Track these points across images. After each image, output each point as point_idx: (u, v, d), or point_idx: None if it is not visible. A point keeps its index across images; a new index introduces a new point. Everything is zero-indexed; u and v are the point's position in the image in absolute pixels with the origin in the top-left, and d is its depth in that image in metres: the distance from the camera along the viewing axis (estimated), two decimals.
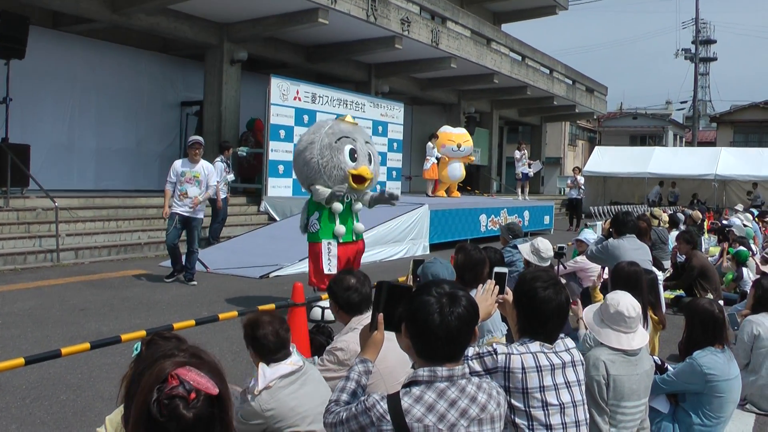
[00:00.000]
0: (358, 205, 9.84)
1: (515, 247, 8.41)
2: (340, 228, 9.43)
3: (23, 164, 14.92)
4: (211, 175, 12.05)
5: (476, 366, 3.33)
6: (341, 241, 9.48)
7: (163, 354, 1.82)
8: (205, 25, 20.51)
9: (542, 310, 3.48)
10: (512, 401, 3.31)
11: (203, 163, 11.97)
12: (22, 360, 4.63)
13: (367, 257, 14.60)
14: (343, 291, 4.62)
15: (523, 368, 3.31)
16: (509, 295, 3.84)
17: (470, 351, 3.37)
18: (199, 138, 12.31)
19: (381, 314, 3.11)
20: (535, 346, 3.41)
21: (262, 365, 3.95)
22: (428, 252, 17.21)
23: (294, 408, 3.87)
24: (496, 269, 3.93)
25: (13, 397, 6.19)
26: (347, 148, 9.33)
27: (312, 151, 9.39)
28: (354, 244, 9.77)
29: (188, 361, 1.78)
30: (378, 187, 11.18)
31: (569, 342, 3.57)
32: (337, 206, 9.39)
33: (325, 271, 9.23)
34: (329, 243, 9.39)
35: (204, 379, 1.73)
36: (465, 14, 27.27)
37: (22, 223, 14.12)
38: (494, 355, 3.35)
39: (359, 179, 9.46)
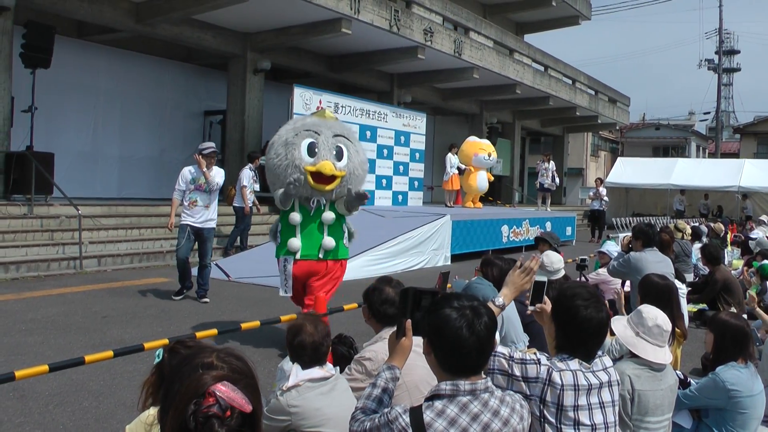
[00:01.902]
0: (328, 215, 8.13)
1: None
2: (293, 242, 7.96)
3: (47, 172, 15.03)
4: (218, 174, 11.12)
5: (516, 370, 3.29)
6: (298, 257, 7.99)
7: (202, 362, 1.84)
8: (229, 34, 20.62)
9: (584, 328, 3.41)
10: (545, 413, 3.28)
11: (215, 169, 11.14)
12: (46, 367, 4.67)
13: (388, 268, 14.66)
14: (380, 303, 4.60)
15: (562, 385, 3.27)
16: (547, 305, 3.82)
17: (516, 354, 3.34)
18: (212, 144, 11.51)
19: (408, 320, 3.12)
20: (574, 363, 3.35)
21: (296, 366, 3.97)
22: (450, 263, 17.18)
23: (319, 409, 3.86)
24: (536, 278, 3.90)
25: (36, 403, 6.23)
26: (305, 142, 7.84)
27: (270, 152, 8.15)
28: (319, 264, 8.11)
29: (226, 374, 1.80)
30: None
31: (607, 360, 3.51)
32: (294, 216, 7.99)
33: (280, 293, 8.18)
34: (285, 260, 8.04)
35: (239, 396, 1.76)
36: (488, 25, 27.25)
37: (45, 231, 14.23)
38: (538, 365, 3.30)
39: (319, 177, 7.78)
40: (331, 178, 7.84)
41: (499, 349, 3.32)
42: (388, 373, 3.09)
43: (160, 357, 3.20)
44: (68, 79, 19.49)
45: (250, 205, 16.07)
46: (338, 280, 8.42)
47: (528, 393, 3.27)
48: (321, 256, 8.05)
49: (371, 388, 3.04)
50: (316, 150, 7.81)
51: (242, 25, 20.21)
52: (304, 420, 3.85)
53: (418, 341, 3.26)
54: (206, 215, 11.06)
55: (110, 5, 17.67)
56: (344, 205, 8.16)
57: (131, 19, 18.25)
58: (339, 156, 7.95)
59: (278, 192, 7.91)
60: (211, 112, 24.30)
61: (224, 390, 1.75)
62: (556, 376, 3.27)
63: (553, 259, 7.59)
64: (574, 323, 3.42)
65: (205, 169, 10.87)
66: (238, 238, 16.43)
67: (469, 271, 6.31)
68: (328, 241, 8.05)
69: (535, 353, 3.39)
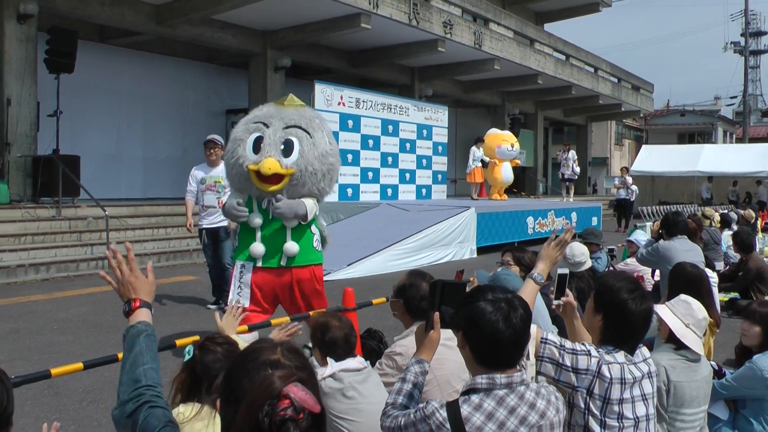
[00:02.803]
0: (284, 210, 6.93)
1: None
2: (256, 247, 6.86)
3: (74, 175, 15.21)
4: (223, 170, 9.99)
5: (566, 360, 3.25)
6: (260, 264, 6.90)
7: (269, 360, 1.87)
8: (249, 33, 20.68)
9: (633, 321, 3.38)
10: (591, 406, 3.26)
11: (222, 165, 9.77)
12: (81, 365, 4.71)
13: (414, 262, 14.65)
14: (419, 300, 4.53)
15: (610, 378, 3.24)
16: (569, 297, 3.79)
17: (567, 343, 3.31)
18: (216, 137, 10.65)
19: (437, 313, 3.09)
20: (620, 356, 3.32)
21: (330, 359, 3.97)
22: (476, 255, 17.13)
23: (352, 398, 3.87)
24: (559, 271, 3.87)
25: (71, 400, 6.35)
26: (252, 137, 6.80)
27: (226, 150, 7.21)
28: (282, 274, 6.96)
29: (294, 373, 1.84)
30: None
31: (645, 351, 3.48)
32: (253, 218, 6.86)
33: (230, 299, 6.99)
34: (243, 265, 6.96)
35: (310, 396, 1.79)
36: (507, 15, 27.16)
37: (73, 232, 14.40)
38: (589, 357, 3.27)
39: (262, 176, 6.64)
40: (276, 177, 6.66)
41: (550, 336, 3.30)
42: (417, 367, 3.07)
43: (191, 354, 3.21)
44: (92, 83, 19.61)
45: None
46: (318, 290, 7.25)
47: (575, 384, 3.25)
48: (283, 263, 6.88)
49: (401, 383, 3.02)
50: (261, 145, 6.72)
51: (261, 23, 20.25)
52: (336, 403, 3.85)
53: (446, 334, 3.24)
54: (219, 215, 10.13)
55: (131, 8, 17.78)
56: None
57: (152, 21, 18.35)
58: (288, 151, 6.74)
59: (230, 202, 6.97)
60: (233, 110, 24.37)
61: (297, 391, 1.78)
62: (605, 369, 3.24)
63: (576, 252, 7.43)
64: (624, 317, 3.38)
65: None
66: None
67: (493, 262, 6.28)
68: (290, 247, 6.88)
69: (584, 344, 3.37)
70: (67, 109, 17.24)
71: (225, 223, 10.11)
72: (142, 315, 2.52)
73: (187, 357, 3.20)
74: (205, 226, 10.44)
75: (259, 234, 6.88)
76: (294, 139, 6.76)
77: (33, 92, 15.75)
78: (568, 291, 3.84)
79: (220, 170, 9.81)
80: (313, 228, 7.17)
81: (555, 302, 3.85)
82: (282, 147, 6.70)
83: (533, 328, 3.05)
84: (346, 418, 3.86)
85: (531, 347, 3.24)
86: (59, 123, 16.54)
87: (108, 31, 20.04)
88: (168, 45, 21.57)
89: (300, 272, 6.99)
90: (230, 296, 6.99)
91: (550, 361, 3.26)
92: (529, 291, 3.63)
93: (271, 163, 6.56)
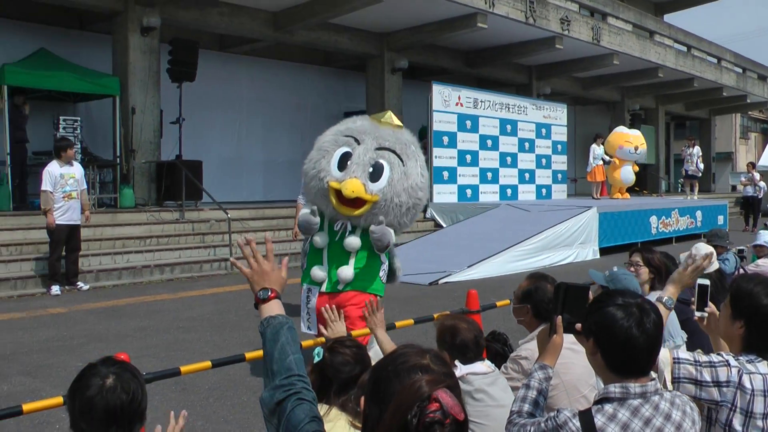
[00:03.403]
0: (353, 241, 6.21)
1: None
2: (316, 272, 6.28)
3: (196, 179, 15.66)
4: None
5: (705, 375, 3.10)
6: (323, 290, 6.23)
7: (420, 364, 1.90)
8: (366, 36, 20.85)
9: None
10: (733, 421, 3.09)
11: None
12: (209, 363, 4.81)
13: (535, 263, 14.49)
14: (546, 303, 4.42)
15: (752, 390, 3.07)
16: (713, 308, 3.61)
17: (700, 357, 3.17)
18: None
19: (559, 317, 3.00)
20: (764, 366, 3.15)
21: (457, 362, 3.92)
22: (598, 256, 16.79)
23: (481, 400, 3.82)
24: (699, 280, 3.70)
25: (198, 397, 6.51)
26: (339, 150, 6.16)
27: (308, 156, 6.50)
28: (344, 293, 6.23)
29: (443, 381, 1.86)
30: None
31: None
32: (317, 239, 6.30)
33: (302, 329, 6.31)
34: (309, 289, 6.37)
35: (457, 404, 1.82)
36: (626, 8, 26.63)
37: (197, 234, 14.81)
38: (728, 368, 3.10)
39: (343, 198, 5.97)
40: (357, 202, 5.98)
41: (682, 355, 3.14)
42: (540, 373, 2.98)
43: (320, 356, 3.20)
44: (212, 90, 20.12)
45: None
46: (361, 318, 5.96)
47: (718, 399, 3.06)
48: (340, 287, 6.21)
49: (525, 390, 2.93)
50: (348, 163, 6.05)
51: (378, 25, 20.38)
52: (465, 405, 3.79)
53: (571, 338, 3.14)
54: None
55: (249, 17, 18.16)
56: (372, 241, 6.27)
57: (270, 28, 18.71)
58: (376, 175, 6.06)
59: (302, 212, 6.42)
60: (350, 113, 24.53)
61: (445, 397, 1.80)
62: (746, 380, 3.06)
63: (702, 253, 7.14)
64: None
65: None
66: None
67: (618, 264, 6.11)
68: (345, 272, 6.17)
69: (721, 354, 3.21)
70: (189, 116, 17.72)
71: None
72: (277, 307, 2.53)
73: (316, 359, 3.20)
74: None
75: (325, 256, 6.30)
76: (385, 164, 6.11)
77: (156, 101, 16.32)
78: (710, 303, 3.68)
79: None
80: (383, 256, 6.39)
81: (698, 314, 3.68)
82: (371, 170, 6.05)
83: (664, 352, 2.93)
84: (474, 422, 3.80)
85: (666, 373, 3.09)
86: (181, 129, 17.02)
87: (227, 40, 20.56)
88: (285, 50, 21.90)
89: (354, 297, 6.20)
90: (302, 326, 6.35)
91: (689, 381, 3.10)
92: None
93: (355, 185, 5.89)
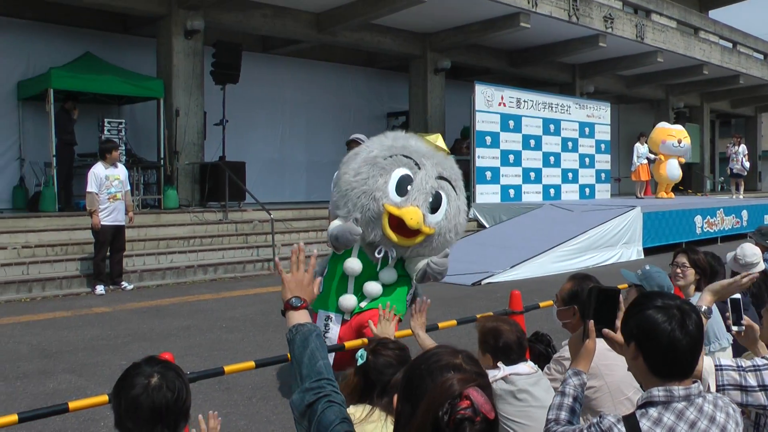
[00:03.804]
0: (389, 275, 5.83)
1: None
2: (347, 300, 5.76)
3: (239, 180, 15.80)
4: None
5: (750, 380, 3.06)
6: (347, 318, 5.78)
7: (452, 363, 1.92)
8: (408, 36, 20.85)
9: None
10: None
11: None
12: (252, 363, 4.84)
13: (578, 263, 14.41)
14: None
15: None
16: (747, 320, 3.55)
17: (743, 362, 3.12)
18: (361, 136, 9.32)
19: (592, 321, 2.96)
20: None
21: (500, 363, 3.90)
22: (642, 256, 16.62)
23: (524, 400, 3.80)
24: (731, 297, 3.65)
25: (241, 396, 6.55)
26: (398, 172, 5.62)
27: (350, 165, 5.87)
28: (368, 311, 5.66)
29: (475, 380, 1.88)
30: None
31: None
32: (352, 264, 5.78)
33: None
34: (328, 317, 5.81)
35: (487, 401, 1.84)
36: (669, 4, 26.32)
37: (240, 235, 14.92)
38: None
39: (399, 225, 5.51)
40: (414, 233, 5.58)
41: (724, 361, 3.10)
42: (575, 379, 2.93)
43: (364, 358, 3.20)
44: (255, 92, 20.23)
45: None
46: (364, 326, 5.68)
47: (765, 404, 3.03)
48: (362, 305, 5.77)
49: (560, 397, 2.89)
50: (409, 188, 5.57)
51: (421, 25, 20.36)
52: (507, 405, 3.78)
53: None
54: None
55: (292, 18, 18.25)
56: (416, 274, 5.91)
57: (313, 29, 18.79)
58: (435, 206, 5.68)
59: (336, 224, 5.73)
60: (393, 113, 24.64)
61: (476, 395, 1.82)
62: None
63: (747, 252, 6.96)
64: None
65: None
66: None
67: (662, 264, 6.00)
68: (373, 287, 5.77)
69: (764, 357, 3.15)
70: (233, 118, 17.83)
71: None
72: (305, 316, 2.63)
73: (360, 361, 3.20)
74: None
75: (351, 285, 5.79)
76: (444, 195, 5.75)
77: (200, 103, 16.48)
78: (745, 317, 3.62)
79: None
80: (409, 294, 5.95)
81: (735, 329, 3.62)
82: (431, 200, 5.65)
83: (706, 361, 2.88)
84: (516, 422, 3.79)
85: (710, 381, 3.04)
86: (225, 131, 17.13)
87: (270, 41, 20.67)
88: (328, 51, 21.97)
89: (373, 315, 5.24)
90: None
91: (733, 387, 3.05)
92: None
93: (417, 215, 5.48)
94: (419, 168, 5.63)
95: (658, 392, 2.56)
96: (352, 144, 8.47)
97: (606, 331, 2.91)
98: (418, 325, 4.27)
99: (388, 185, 5.56)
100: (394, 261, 5.82)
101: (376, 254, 5.70)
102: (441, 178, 5.74)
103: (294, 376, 2.39)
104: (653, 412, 2.55)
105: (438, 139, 6.07)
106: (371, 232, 5.63)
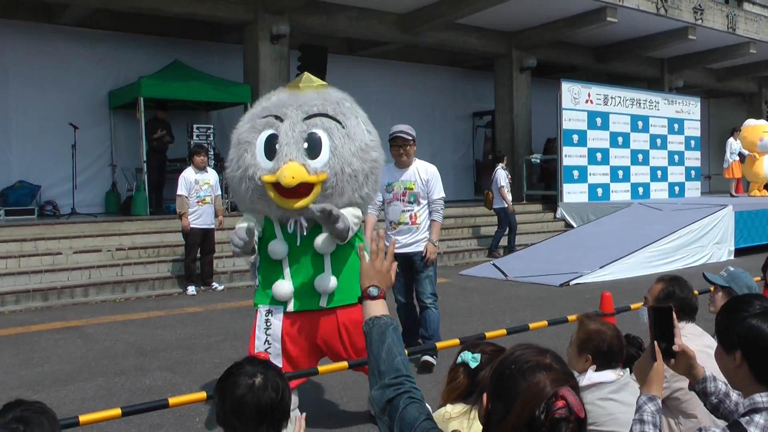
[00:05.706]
0: (320, 240, 5.08)
1: None
2: (280, 286, 5.11)
3: None
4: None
5: None
6: (292, 309, 5.13)
7: (543, 363, 1.96)
8: (493, 35, 20.77)
9: None
10: None
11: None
12: (345, 364, 4.90)
13: (668, 264, 14.13)
14: (691, 300, 4.26)
15: None
16: None
17: None
18: (406, 129, 7.77)
19: (656, 342, 2.87)
20: None
21: (591, 368, 3.85)
22: (733, 257, 16.17)
23: (611, 406, 3.73)
24: None
25: (330, 395, 6.66)
26: (261, 137, 5.03)
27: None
28: (326, 315, 5.17)
29: (566, 380, 1.93)
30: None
31: None
32: (275, 246, 5.12)
33: (255, 350, 5.11)
34: (269, 311, 5.16)
35: (578, 401, 1.89)
36: None
37: None
38: None
39: (283, 189, 4.85)
40: (303, 188, 4.88)
41: None
42: (651, 405, 2.80)
43: (478, 361, 3.17)
44: None
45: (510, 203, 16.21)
46: (350, 331, 5.21)
47: None
48: (323, 303, 5.14)
49: (639, 425, 2.77)
50: (277, 147, 4.94)
51: (506, 24, 20.27)
52: (594, 408, 3.72)
53: (705, 341, 3.02)
54: (415, 233, 7.61)
55: (377, 19, 18.35)
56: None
57: (398, 30, 18.86)
58: (314, 150, 4.95)
59: (238, 226, 5.11)
60: (478, 113, 24.58)
61: (570, 396, 1.88)
62: None
63: None
64: None
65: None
66: (504, 238, 16.46)
67: (755, 266, 5.81)
68: (323, 281, 5.11)
69: None
70: None
71: (421, 248, 7.51)
72: (383, 307, 2.61)
73: (474, 364, 3.16)
74: (396, 250, 6.50)
75: (287, 269, 5.16)
76: (321, 132, 5.00)
77: None
78: None
79: (412, 173, 7.61)
80: (363, 253, 4.68)
81: None
82: (306, 146, 4.95)
83: None
84: (601, 428, 3.73)
85: None
86: None
87: (355, 44, 20.83)
88: (413, 52, 22.00)
89: (348, 313, 5.13)
90: (254, 347, 5.19)
91: None
92: None
93: (293, 170, 4.80)
94: (281, 120, 5.01)
95: (761, 398, 2.53)
96: (398, 140, 7.55)
97: (683, 345, 2.84)
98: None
99: (257, 156, 4.98)
100: (309, 227, 5.08)
101: (288, 230, 5.07)
102: (311, 116, 5.02)
103: (371, 370, 2.41)
104: (759, 419, 2.52)
105: (305, 78, 5.36)
106: (271, 210, 5.06)
